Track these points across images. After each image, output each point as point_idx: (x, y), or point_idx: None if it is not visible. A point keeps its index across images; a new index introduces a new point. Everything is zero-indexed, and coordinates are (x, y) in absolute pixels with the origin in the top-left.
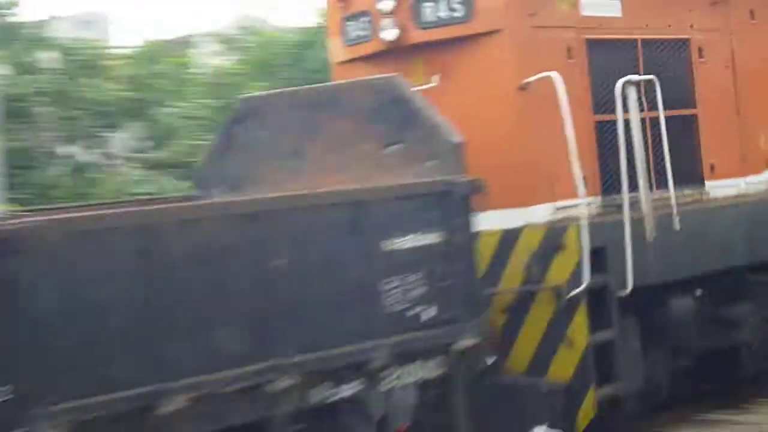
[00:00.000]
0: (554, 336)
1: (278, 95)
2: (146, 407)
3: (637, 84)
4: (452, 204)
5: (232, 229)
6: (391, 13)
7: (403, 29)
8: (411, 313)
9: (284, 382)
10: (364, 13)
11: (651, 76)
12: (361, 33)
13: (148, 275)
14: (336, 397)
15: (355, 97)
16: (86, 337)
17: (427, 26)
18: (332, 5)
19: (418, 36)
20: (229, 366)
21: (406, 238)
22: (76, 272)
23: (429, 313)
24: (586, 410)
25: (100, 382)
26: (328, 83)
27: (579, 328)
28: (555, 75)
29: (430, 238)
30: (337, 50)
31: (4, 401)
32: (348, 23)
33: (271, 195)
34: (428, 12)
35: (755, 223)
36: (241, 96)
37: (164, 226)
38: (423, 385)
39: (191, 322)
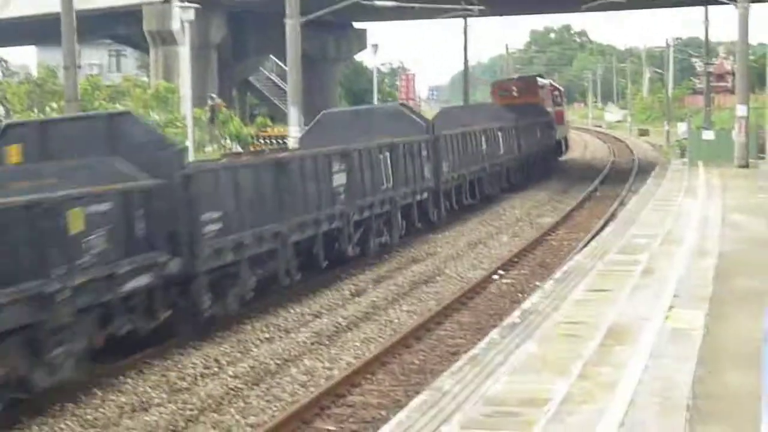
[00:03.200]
0: None
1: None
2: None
3: None
4: None
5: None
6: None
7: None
8: None
9: None
10: (509, 90)
11: None
12: (506, 95)
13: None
14: None
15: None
16: None
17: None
18: (495, 89)
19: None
20: None
21: None
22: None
23: None
24: None
25: None
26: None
27: None
28: None
29: None
30: (495, 99)
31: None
32: (500, 92)
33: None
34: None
35: None
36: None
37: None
38: None
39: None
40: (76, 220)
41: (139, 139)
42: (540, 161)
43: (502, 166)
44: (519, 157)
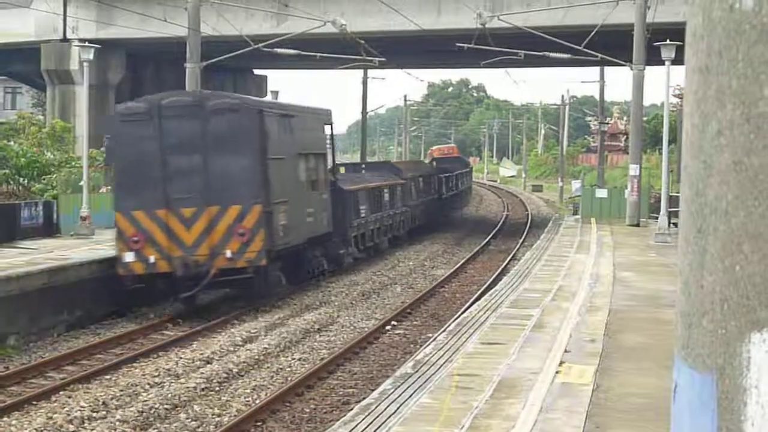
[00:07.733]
0: None
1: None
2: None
3: None
4: None
5: None
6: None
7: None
8: None
9: None
10: (443, 150)
11: None
12: (442, 153)
13: None
14: None
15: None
16: None
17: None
18: (435, 149)
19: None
20: None
21: None
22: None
23: None
24: None
25: None
26: None
27: None
28: None
29: None
30: (434, 153)
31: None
32: (439, 152)
33: None
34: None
35: None
36: None
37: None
38: None
39: None
40: None
41: None
42: (468, 192)
43: (461, 192)
44: (466, 188)
